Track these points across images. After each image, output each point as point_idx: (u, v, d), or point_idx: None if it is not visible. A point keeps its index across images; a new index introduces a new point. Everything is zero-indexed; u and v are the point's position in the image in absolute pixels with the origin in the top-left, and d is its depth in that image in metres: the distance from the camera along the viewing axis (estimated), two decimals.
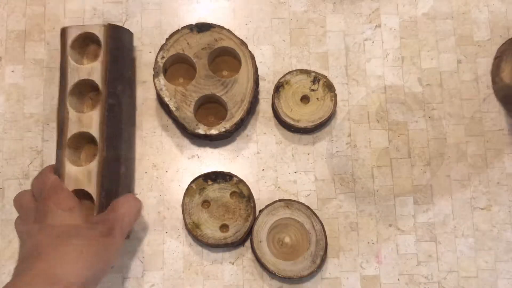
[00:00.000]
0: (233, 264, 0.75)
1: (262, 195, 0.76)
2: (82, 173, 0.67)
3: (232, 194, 0.74)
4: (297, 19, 0.81)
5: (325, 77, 0.77)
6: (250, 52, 0.76)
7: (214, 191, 0.74)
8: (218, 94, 0.75)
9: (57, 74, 0.79)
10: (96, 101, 0.72)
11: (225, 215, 0.73)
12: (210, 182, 0.74)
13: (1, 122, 0.78)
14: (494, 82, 0.78)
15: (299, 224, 0.73)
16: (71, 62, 0.70)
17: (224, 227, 0.73)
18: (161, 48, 0.76)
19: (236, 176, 0.74)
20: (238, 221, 0.73)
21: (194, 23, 0.77)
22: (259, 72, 0.78)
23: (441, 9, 0.82)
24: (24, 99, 0.78)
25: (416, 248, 0.76)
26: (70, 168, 0.68)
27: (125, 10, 0.81)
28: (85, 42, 0.73)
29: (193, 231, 0.73)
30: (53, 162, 0.76)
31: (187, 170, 0.77)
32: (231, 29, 0.78)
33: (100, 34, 0.70)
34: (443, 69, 0.81)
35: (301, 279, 0.74)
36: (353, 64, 0.80)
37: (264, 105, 0.79)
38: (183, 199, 0.73)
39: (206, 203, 0.74)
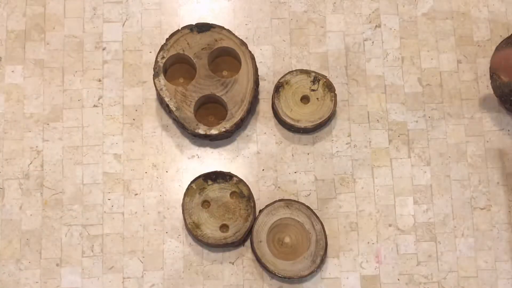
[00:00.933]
0: (233, 264, 0.75)
1: (262, 195, 0.76)
2: None
3: (232, 194, 0.74)
4: (297, 19, 0.81)
5: (325, 77, 0.77)
6: (250, 52, 0.76)
7: (214, 191, 0.74)
8: (218, 94, 0.75)
9: (57, 74, 0.79)
10: None
11: (225, 215, 0.73)
12: (210, 182, 0.74)
13: (1, 122, 0.78)
14: (492, 79, 0.78)
15: (299, 224, 0.73)
16: None
17: (224, 227, 0.73)
18: (161, 48, 0.76)
19: (236, 176, 0.74)
20: (238, 221, 0.73)
21: (194, 23, 0.77)
22: (259, 72, 0.78)
23: (441, 9, 0.82)
24: (24, 99, 0.78)
25: (416, 248, 0.76)
26: None
27: (125, 10, 0.81)
28: None
29: (193, 231, 0.73)
30: (52, 162, 0.77)
31: (187, 170, 0.77)
32: (231, 29, 0.78)
33: None
34: (443, 69, 0.81)
35: (301, 279, 0.74)
36: (353, 64, 0.80)
37: (264, 105, 0.79)
38: (183, 199, 0.73)
39: (206, 203, 0.74)
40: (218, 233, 0.73)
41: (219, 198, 0.73)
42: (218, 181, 0.74)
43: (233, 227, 0.73)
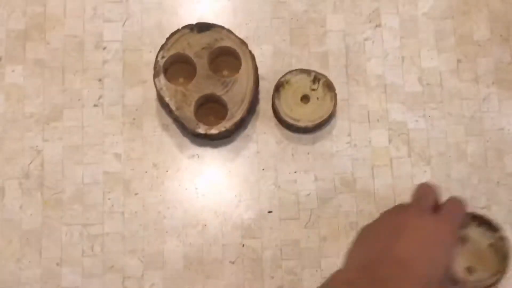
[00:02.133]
0: (233, 263, 0.75)
1: (262, 195, 0.76)
2: None
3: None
4: (297, 19, 0.81)
5: (325, 76, 0.77)
6: (250, 52, 0.76)
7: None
8: (218, 94, 0.75)
9: (57, 74, 0.79)
10: None
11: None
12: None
13: (1, 122, 0.78)
14: None
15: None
16: None
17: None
18: (161, 48, 0.76)
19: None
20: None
21: (194, 22, 0.77)
22: (259, 72, 0.78)
23: (441, 9, 0.82)
24: (24, 99, 0.78)
25: None
26: None
27: (125, 10, 0.81)
28: None
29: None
30: (52, 162, 0.77)
31: (188, 169, 0.77)
32: (231, 29, 0.78)
33: None
34: (443, 69, 0.81)
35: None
36: (353, 64, 0.80)
37: (264, 105, 0.79)
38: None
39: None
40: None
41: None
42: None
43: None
